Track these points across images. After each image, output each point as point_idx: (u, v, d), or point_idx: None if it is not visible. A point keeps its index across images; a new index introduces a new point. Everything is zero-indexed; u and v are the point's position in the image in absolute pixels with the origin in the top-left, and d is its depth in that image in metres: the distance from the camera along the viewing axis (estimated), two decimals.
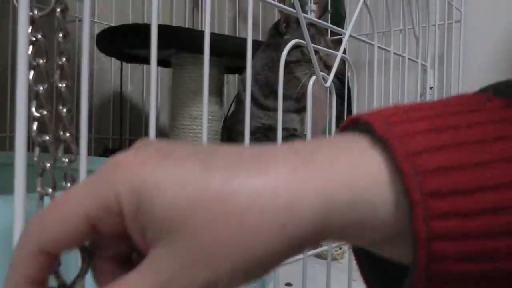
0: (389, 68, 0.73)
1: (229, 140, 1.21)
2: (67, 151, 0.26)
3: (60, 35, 0.26)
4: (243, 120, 1.06)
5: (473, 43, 1.04)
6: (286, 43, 1.01)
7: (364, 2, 0.55)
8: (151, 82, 0.31)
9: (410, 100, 0.85)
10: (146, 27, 1.13)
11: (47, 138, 0.24)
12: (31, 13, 0.23)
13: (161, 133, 1.50)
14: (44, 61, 0.25)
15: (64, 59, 0.26)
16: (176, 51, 1.10)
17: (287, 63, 0.99)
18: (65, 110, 0.26)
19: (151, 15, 0.30)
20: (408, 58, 0.79)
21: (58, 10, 0.25)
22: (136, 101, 1.45)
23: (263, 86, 1.03)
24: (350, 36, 0.58)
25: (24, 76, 0.21)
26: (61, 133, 0.26)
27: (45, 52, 0.25)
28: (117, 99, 1.36)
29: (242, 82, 1.10)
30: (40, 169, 0.25)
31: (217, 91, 1.15)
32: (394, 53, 0.74)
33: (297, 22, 1.02)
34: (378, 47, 0.67)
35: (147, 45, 1.24)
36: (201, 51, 1.24)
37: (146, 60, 1.24)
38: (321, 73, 0.48)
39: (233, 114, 1.20)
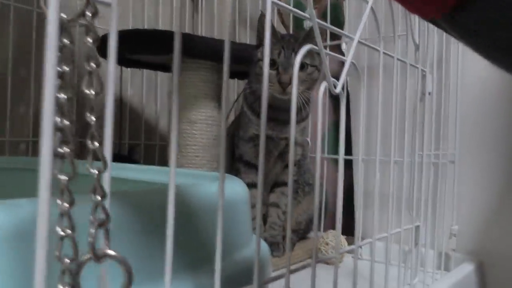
0: (388, 73, 0.73)
1: (230, 144, 1.21)
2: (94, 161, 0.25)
3: (90, 40, 0.24)
4: (244, 126, 1.08)
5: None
6: (259, 56, 1.02)
7: (372, 8, 0.55)
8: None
9: (410, 105, 0.85)
10: (146, 33, 1.14)
11: (67, 149, 0.23)
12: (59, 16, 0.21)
13: (161, 138, 1.50)
14: (71, 68, 0.24)
15: (93, 64, 0.25)
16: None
17: None
18: (93, 118, 0.25)
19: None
20: (410, 64, 0.79)
21: (88, 13, 0.24)
22: (136, 105, 1.45)
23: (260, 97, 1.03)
24: (359, 42, 0.58)
25: (51, 84, 0.20)
26: (89, 142, 0.24)
27: (72, 59, 0.24)
28: (117, 104, 1.36)
29: (245, 98, 1.11)
30: (61, 183, 0.23)
31: (216, 96, 1.15)
32: (398, 59, 0.74)
33: (271, 33, 1.01)
34: (384, 53, 0.67)
35: (147, 50, 1.25)
36: (200, 56, 1.24)
37: (146, 65, 1.24)
38: (332, 79, 0.48)
39: (235, 121, 1.20)
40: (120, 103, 1.35)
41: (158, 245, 0.36)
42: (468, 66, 1.08)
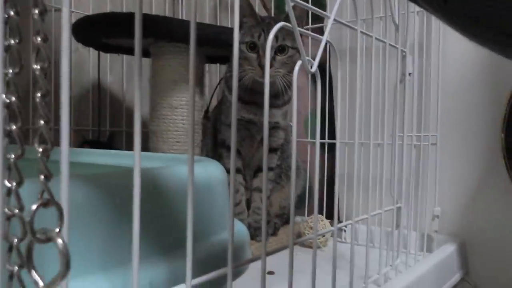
0: (370, 54, 0.72)
1: (213, 129, 1.20)
2: (43, 141, 0.24)
3: (36, 11, 0.23)
4: (226, 111, 1.07)
5: (452, 30, 1.04)
6: (239, 39, 1.00)
7: None
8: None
9: (391, 86, 0.85)
10: (124, 16, 1.11)
11: (14, 127, 0.22)
12: None
13: (143, 125, 1.48)
14: (17, 41, 0.22)
15: (40, 39, 0.23)
16: (154, 40, 1.08)
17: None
18: (39, 95, 0.24)
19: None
20: (389, 44, 0.79)
21: None
22: (116, 92, 1.43)
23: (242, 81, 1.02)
24: (334, 20, 0.57)
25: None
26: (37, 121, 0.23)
27: (18, 32, 0.23)
28: (97, 90, 1.33)
29: (226, 82, 1.09)
30: (7, 162, 0.23)
31: (197, 80, 1.13)
32: (376, 38, 0.73)
33: (251, 16, 1.00)
34: (360, 32, 0.66)
35: (125, 34, 1.22)
36: (179, 40, 1.22)
37: (125, 50, 1.22)
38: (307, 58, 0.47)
39: (218, 105, 1.19)
40: (98, 89, 1.33)
41: (128, 229, 0.35)
42: (449, 47, 1.08)
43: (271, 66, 0.95)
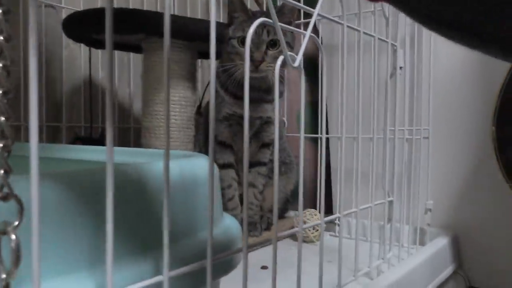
0: (362, 49, 0.72)
1: (205, 125, 1.20)
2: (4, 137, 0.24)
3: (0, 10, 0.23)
4: (218, 106, 1.07)
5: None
6: (230, 34, 1.00)
7: None
8: None
9: (381, 80, 0.85)
10: (114, 11, 1.11)
11: None
12: None
13: (135, 121, 1.48)
14: None
15: (1, 38, 0.24)
16: (146, 35, 1.07)
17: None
18: (0, 92, 0.24)
19: None
20: (378, 38, 0.79)
21: None
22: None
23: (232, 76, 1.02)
24: (319, 15, 0.56)
25: None
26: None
27: None
28: (88, 87, 1.32)
29: (217, 77, 1.09)
30: None
31: (189, 76, 1.13)
32: (364, 33, 0.73)
33: (242, 11, 1.00)
34: (348, 26, 0.66)
35: (116, 30, 1.22)
36: (172, 35, 1.21)
37: (117, 46, 1.21)
38: (290, 53, 0.47)
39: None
40: (89, 86, 1.32)
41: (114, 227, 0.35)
42: (441, 40, 1.08)
43: (262, 60, 0.95)
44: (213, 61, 0.31)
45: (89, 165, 0.60)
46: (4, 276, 0.22)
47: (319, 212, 1.13)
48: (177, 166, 0.48)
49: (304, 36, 0.47)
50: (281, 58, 0.44)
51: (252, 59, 0.95)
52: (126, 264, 0.36)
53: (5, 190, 0.22)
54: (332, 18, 0.61)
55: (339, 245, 0.64)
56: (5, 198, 0.22)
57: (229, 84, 1.03)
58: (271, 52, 0.96)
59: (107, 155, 0.25)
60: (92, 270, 0.34)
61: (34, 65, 0.21)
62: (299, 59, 0.44)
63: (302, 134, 0.49)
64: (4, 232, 0.21)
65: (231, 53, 1.00)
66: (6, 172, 0.22)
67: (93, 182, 0.33)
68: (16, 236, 0.21)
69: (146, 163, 0.39)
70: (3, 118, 0.22)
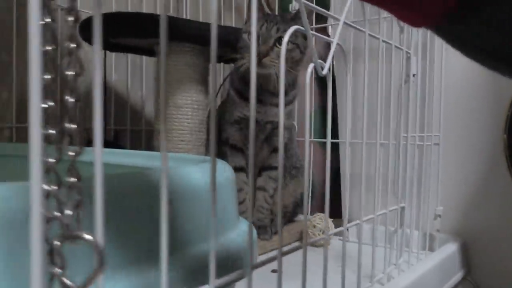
0: (374, 55, 0.73)
1: (218, 127, 1.21)
2: (73, 144, 0.24)
3: (71, 18, 0.24)
4: (230, 109, 1.08)
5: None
6: (243, 30, 1.02)
7: None
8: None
9: (394, 87, 0.86)
10: (129, 16, 1.12)
11: (53, 131, 0.22)
12: None
13: (147, 123, 1.49)
14: (54, 47, 0.23)
15: (73, 45, 0.24)
16: (159, 39, 1.08)
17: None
18: (72, 100, 0.24)
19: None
20: (394, 46, 0.80)
21: None
22: (121, 91, 1.44)
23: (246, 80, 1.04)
24: (344, 23, 0.57)
25: (36, 65, 0.19)
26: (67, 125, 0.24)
27: (54, 38, 0.24)
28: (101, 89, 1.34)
29: (231, 80, 1.11)
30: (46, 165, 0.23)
31: (202, 80, 1.14)
32: (383, 40, 0.74)
33: (258, 9, 1.02)
34: (369, 34, 0.67)
35: (131, 34, 1.23)
36: (184, 40, 1.22)
37: (130, 49, 1.22)
38: (319, 61, 0.48)
39: (222, 104, 1.20)
40: (104, 88, 1.34)
41: (141, 230, 0.36)
42: (453, 49, 1.09)
43: (267, 55, 0.96)
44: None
45: (123, 169, 0.61)
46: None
47: (329, 217, 1.14)
48: (199, 171, 0.49)
49: (331, 44, 0.48)
50: (311, 66, 0.45)
51: (258, 54, 0.96)
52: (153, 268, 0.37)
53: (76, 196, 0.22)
54: (356, 26, 0.62)
55: (359, 252, 0.65)
56: (77, 206, 0.22)
57: (240, 85, 1.05)
58: (277, 49, 0.97)
59: (162, 160, 0.26)
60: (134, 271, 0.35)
61: (99, 75, 0.22)
62: (327, 66, 0.45)
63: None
64: (71, 238, 0.21)
65: (243, 47, 1.02)
66: (78, 180, 0.23)
67: (143, 184, 0.34)
68: (98, 246, 0.21)
69: (173, 168, 0.40)
70: (74, 126, 0.23)
